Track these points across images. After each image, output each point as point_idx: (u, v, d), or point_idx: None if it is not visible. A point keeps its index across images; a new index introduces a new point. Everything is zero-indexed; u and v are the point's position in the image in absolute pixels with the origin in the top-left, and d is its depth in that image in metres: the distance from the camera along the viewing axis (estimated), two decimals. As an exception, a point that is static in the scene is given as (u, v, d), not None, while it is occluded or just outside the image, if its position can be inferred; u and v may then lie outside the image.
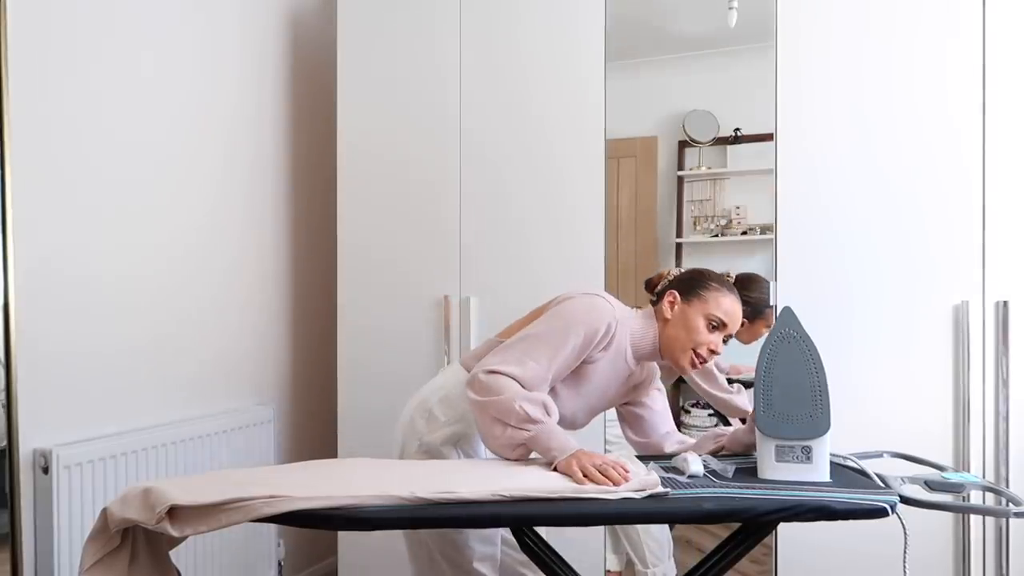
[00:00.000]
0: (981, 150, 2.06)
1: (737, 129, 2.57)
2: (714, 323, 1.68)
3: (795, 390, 1.51)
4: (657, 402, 1.89)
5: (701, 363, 1.71)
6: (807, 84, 2.19)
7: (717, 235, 2.58)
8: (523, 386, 1.58)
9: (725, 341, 1.72)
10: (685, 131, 2.62)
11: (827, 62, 2.17)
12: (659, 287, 1.79)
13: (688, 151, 2.64)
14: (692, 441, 1.86)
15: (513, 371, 1.58)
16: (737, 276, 1.83)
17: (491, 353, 1.65)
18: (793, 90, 2.20)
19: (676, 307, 1.72)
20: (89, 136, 2.07)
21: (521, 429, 1.53)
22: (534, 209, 2.44)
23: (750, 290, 2.20)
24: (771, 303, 2.19)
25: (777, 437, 1.50)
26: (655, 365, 1.89)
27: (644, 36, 2.61)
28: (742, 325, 2.12)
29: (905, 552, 1.43)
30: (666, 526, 2.36)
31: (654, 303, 1.78)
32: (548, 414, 1.56)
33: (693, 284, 1.73)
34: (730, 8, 2.45)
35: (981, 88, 2.06)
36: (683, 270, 1.81)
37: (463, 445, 1.75)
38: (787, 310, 1.58)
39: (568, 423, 1.77)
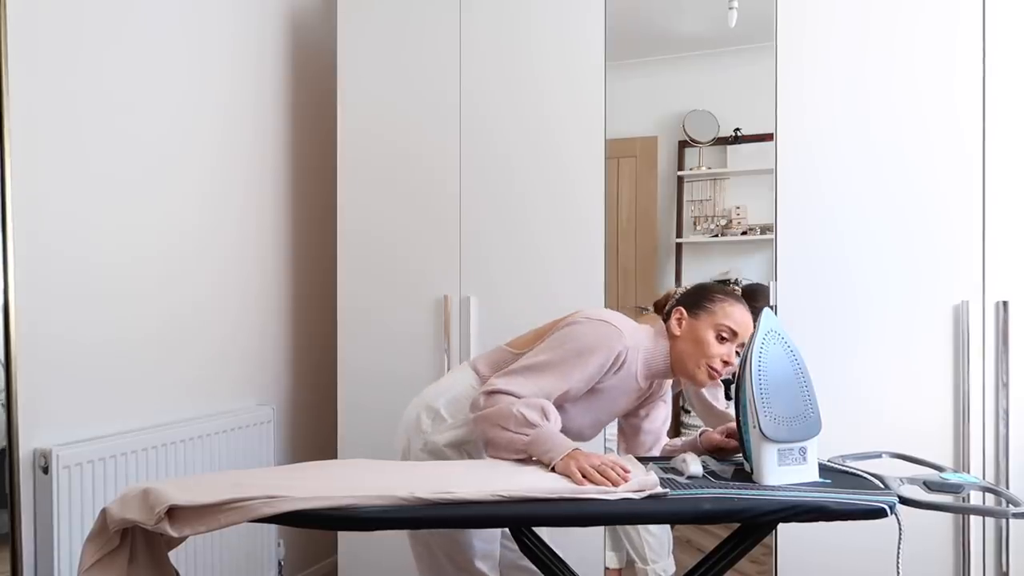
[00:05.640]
0: (981, 150, 2.06)
1: (737, 129, 2.57)
2: (723, 334, 1.68)
3: (787, 392, 1.51)
4: (658, 417, 1.90)
5: (717, 375, 1.70)
6: (807, 84, 2.19)
7: (717, 235, 2.58)
8: None
9: (737, 353, 1.71)
10: (685, 131, 2.62)
11: (827, 62, 2.17)
12: (667, 307, 1.80)
13: (688, 151, 2.64)
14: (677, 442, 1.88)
15: (517, 392, 1.59)
16: (743, 288, 1.82)
17: (496, 376, 1.66)
18: (793, 90, 2.20)
19: (684, 323, 1.71)
20: (89, 136, 2.07)
21: (520, 434, 1.54)
22: (534, 209, 2.44)
23: (757, 300, 2.18)
24: (771, 303, 2.19)
25: (780, 441, 1.49)
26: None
27: (644, 36, 2.61)
28: None
29: (899, 552, 1.43)
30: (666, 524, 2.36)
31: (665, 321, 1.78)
32: (547, 419, 1.57)
33: (698, 298, 1.73)
34: (730, 8, 2.45)
35: (981, 88, 2.06)
36: (687, 287, 1.82)
37: (467, 449, 1.75)
38: (767, 311, 1.58)
39: (575, 436, 1.77)
